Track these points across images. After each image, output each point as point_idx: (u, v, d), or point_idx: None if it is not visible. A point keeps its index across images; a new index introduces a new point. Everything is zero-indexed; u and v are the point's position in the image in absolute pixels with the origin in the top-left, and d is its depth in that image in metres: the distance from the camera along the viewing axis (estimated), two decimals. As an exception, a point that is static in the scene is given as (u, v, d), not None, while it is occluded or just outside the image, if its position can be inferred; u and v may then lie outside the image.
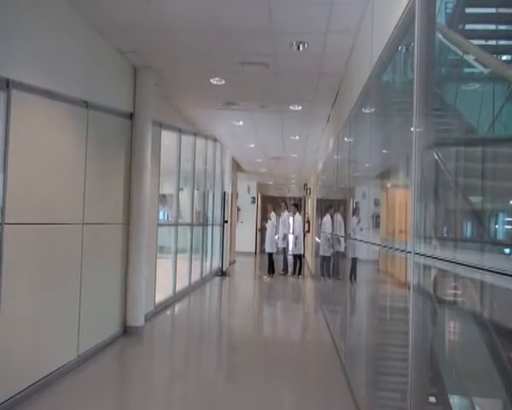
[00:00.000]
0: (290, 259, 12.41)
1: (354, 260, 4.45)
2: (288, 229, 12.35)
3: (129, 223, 5.48)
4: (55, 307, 4.02)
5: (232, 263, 13.89)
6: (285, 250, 12.31)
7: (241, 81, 5.98)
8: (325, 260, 7.78)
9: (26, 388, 3.59)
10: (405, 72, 2.79)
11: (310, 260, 13.50)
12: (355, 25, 4.14)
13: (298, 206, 12.78)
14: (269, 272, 11.64)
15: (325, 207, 8.11)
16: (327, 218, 7.54)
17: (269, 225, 12.47)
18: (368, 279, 3.77)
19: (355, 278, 4.39)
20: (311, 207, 14.27)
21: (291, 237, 12.47)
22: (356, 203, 4.34)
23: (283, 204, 12.56)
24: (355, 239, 4.30)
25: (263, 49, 4.87)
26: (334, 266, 6.34)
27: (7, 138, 3.33)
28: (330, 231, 6.92)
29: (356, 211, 3.55)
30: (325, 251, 7.76)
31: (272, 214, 12.56)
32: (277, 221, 12.80)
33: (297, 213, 12.44)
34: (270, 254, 11.91)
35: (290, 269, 12.09)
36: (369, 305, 3.61)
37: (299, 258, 11.95)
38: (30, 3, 3.58)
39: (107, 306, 5.14)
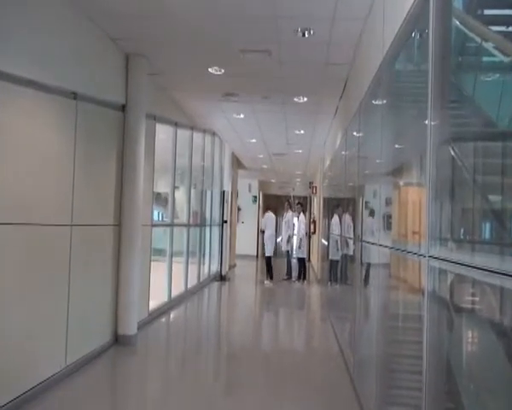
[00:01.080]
0: (294, 262, 12.46)
1: (365, 265, 4.44)
2: (292, 230, 12.39)
3: (121, 224, 5.48)
4: (40, 315, 4.02)
5: (232, 267, 13.90)
6: (288, 253, 12.33)
7: (241, 71, 5.97)
8: (333, 264, 7.78)
9: (9, 401, 3.59)
10: (419, 60, 2.78)
11: (315, 264, 13.49)
12: (365, 9, 4.13)
13: (303, 205, 12.76)
14: (267, 277, 11.72)
15: (332, 206, 8.11)
16: (335, 219, 7.53)
17: (266, 226, 12.49)
18: (379, 285, 3.76)
19: (366, 284, 4.38)
20: (316, 206, 14.27)
21: (295, 239, 12.52)
22: (368, 204, 4.33)
23: (287, 204, 12.58)
24: (365, 241, 4.29)
25: (265, 36, 4.86)
26: (343, 270, 6.34)
27: (-11, 132, 3.34)
28: (338, 232, 6.92)
29: (374, 213, 3.54)
30: (333, 254, 7.76)
31: (268, 215, 12.53)
32: (278, 222, 12.80)
33: (301, 214, 12.44)
34: (269, 258, 11.94)
35: (294, 274, 12.12)
36: (381, 313, 3.61)
37: (303, 261, 11.99)
38: (14, -13, 3.58)
39: (98, 313, 5.14)
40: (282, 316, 8.32)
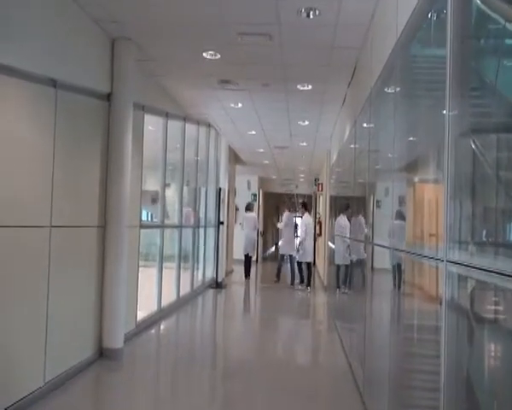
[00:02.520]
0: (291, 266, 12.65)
1: (376, 270, 4.44)
2: (293, 232, 12.91)
3: (106, 225, 5.49)
4: (15, 326, 4.02)
5: (229, 273, 13.93)
6: (291, 258, 12.48)
7: (239, 56, 5.97)
8: (341, 269, 7.79)
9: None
10: (436, 44, 2.77)
11: (321, 269, 13.51)
12: (376, -12, 4.12)
13: (307, 205, 12.99)
14: (246, 276, 13.01)
15: (340, 206, 8.11)
16: (342, 219, 7.53)
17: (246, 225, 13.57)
18: (391, 292, 3.76)
19: (377, 291, 4.38)
20: (322, 205, 14.29)
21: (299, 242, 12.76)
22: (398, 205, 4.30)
23: (287, 204, 12.80)
24: (377, 245, 4.29)
25: (266, 17, 4.86)
26: (352, 276, 6.34)
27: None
28: (347, 234, 6.92)
29: (400, 214, 3.53)
30: (342, 259, 7.76)
31: (248, 215, 13.71)
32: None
33: (306, 214, 12.55)
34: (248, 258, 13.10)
35: (297, 281, 12.25)
36: (393, 323, 3.61)
37: (308, 266, 12.11)
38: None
39: (80, 324, 5.14)
40: (284, 327, 8.32)
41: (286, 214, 13.18)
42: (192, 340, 7.21)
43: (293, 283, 12.23)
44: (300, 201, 13.63)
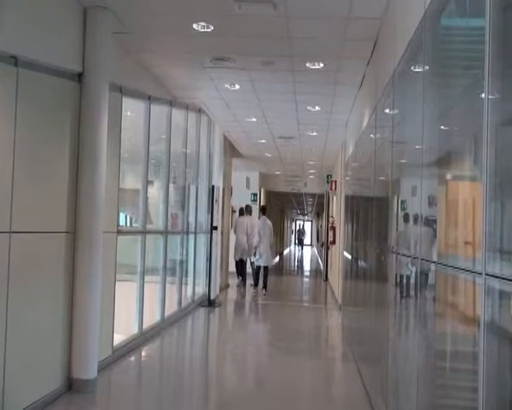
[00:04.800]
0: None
1: (400, 285, 4.44)
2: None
3: (76, 231, 5.47)
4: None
5: (224, 288, 13.94)
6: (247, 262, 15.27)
7: (236, 27, 5.98)
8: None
9: None
10: (473, 14, 2.77)
11: (335, 284, 13.51)
12: None
13: (265, 208, 15.75)
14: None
15: (357, 207, 8.11)
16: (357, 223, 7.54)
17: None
18: (419, 312, 3.76)
19: (402, 311, 4.37)
20: (336, 207, 14.28)
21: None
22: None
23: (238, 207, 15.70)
24: (401, 254, 4.29)
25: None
26: (369, 291, 6.34)
27: None
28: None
29: (429, 219, 3.52)
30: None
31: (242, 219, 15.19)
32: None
33: (264, 218, 14.81)
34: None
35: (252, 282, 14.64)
36: (422, 350, 3.60)
37: (264, 270, 14.31)
38: None
39: (45, 350, 5.12)
40: (291, 354, 8.29)
41: (236, 218, 15.44)
42: (179, 370, 7.19)
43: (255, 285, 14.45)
44: (262, 205, 16.17)
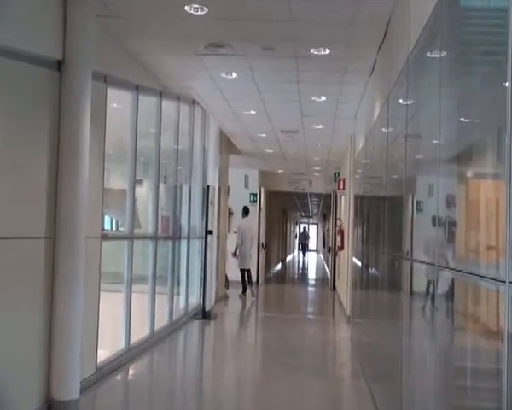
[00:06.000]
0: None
1: (416, 294, 4.44)
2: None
3: (56, 236, 5.47)
4: None
5: (221, 298, 13.96)
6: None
7: (233, 9, 5.98)
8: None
9: None
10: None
11: (343, 294, 13.51)
12: None
13: (248, 209, 16.41)
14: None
15: (368, 208, 8.11)
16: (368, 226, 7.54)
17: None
18: (437, 325, 3.75)
19: (418, 324, 4.37)
20: (345, 208, 14.27)
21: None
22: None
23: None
24: (417, 261, 4.28)
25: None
26: (381, 301, 6.34)
27: None
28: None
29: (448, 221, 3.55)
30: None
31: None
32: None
33: (246, 219, 15.92)
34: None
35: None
36: (439, 367, 3.60)
37: (247, 273, 15.46)
38: None
39: (21, 369, 5.10)
40: (294, 372, 8.26)
41: (240, 222, 16.25)
42: (170, 390, 7.16)
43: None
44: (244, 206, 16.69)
